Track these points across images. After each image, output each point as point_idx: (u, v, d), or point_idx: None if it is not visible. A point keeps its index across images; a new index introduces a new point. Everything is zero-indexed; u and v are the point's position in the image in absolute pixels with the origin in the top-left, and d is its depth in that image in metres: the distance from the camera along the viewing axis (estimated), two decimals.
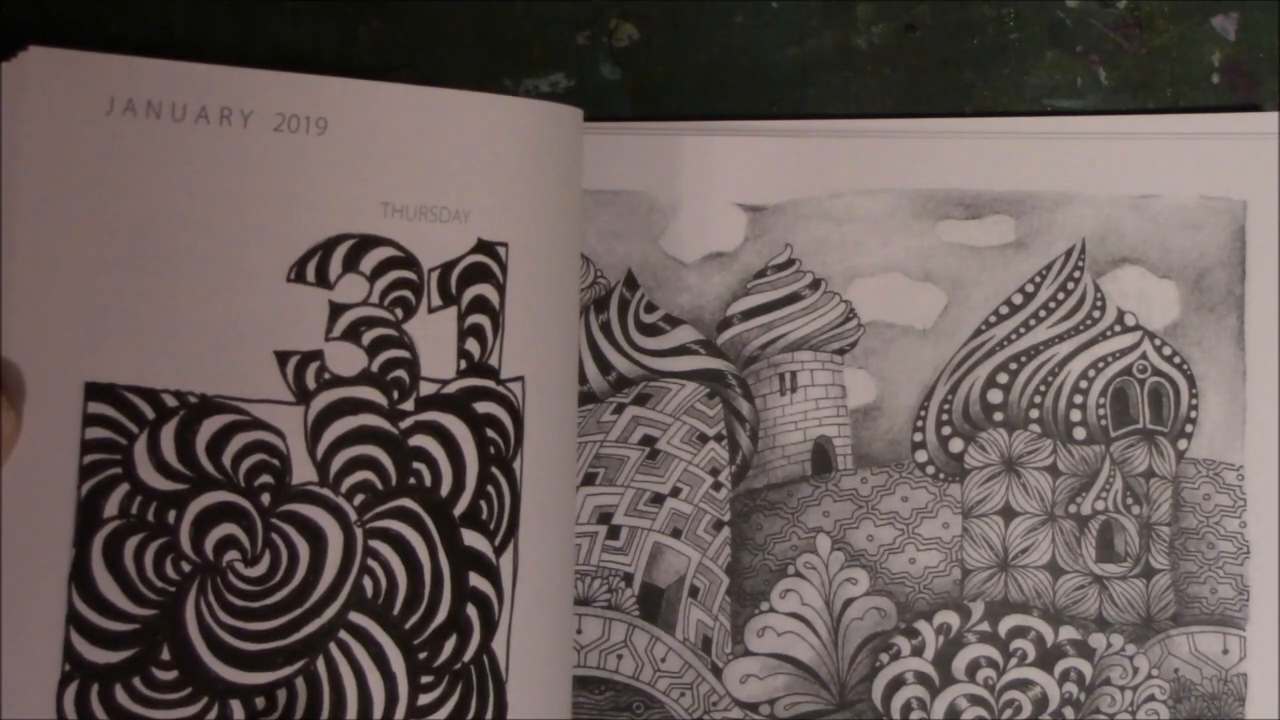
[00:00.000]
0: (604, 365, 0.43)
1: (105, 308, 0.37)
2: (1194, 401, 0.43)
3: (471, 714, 0.38)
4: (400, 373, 0.38)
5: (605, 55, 0.44)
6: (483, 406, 0.39)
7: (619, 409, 0.43)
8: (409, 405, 0.38)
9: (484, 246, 0.39)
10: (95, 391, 0.37)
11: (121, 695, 0.37)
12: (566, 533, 0.40)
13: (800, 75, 0.44)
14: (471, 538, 0.38)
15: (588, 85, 0.44)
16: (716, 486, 0.43)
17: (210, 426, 0.38)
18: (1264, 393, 0.42)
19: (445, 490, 0.38)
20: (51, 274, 0.37)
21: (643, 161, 0.43)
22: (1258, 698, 0.42)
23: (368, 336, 0.38)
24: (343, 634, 0.37)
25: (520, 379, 0.39)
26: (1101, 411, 0.43)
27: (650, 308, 0.43)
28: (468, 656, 0.38)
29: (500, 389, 0.39)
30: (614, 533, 0.43)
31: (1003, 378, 0.44)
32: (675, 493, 0.43)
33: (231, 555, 0.37)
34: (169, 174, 0.38)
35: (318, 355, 0.38)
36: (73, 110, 0.37)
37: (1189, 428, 0.43)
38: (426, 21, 0.44)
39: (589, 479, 0.43)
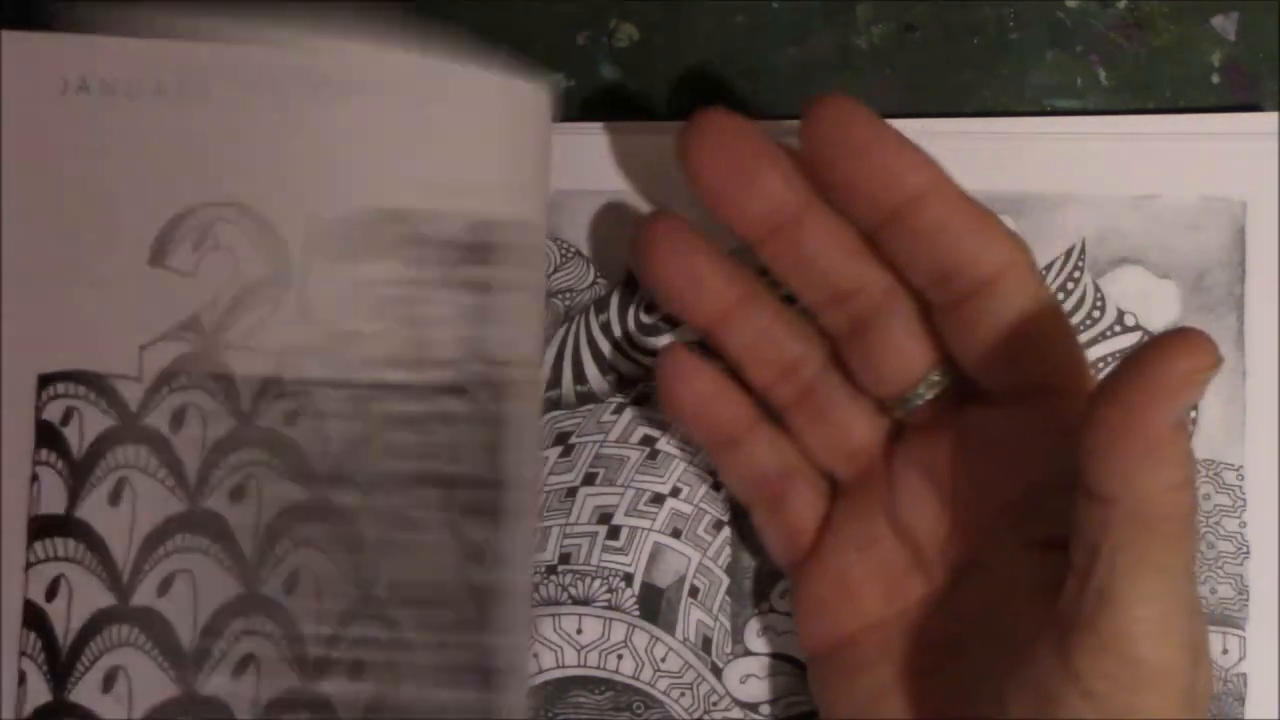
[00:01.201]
0: (604, 365, 0.43)
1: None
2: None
3: None
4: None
5: (605, 55, 0.44)
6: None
7: (619, 409, 0.43)
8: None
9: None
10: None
11: None
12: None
13: (800, 75, 0.44)
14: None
15: (588, 85, 0.44)
16: (716, 486, 0.43)
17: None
18: (1264, 393, 0.42)
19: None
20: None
21: (643, 162, 0.43)
22: (1258, 698, 0.42)
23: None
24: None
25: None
26: None
27: (650, 308, 0.43)
28: None
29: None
30: (614, 533, 0.43)
31: None
32: (675, 493, 0.43)
33: None
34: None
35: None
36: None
37: (1189, 428, 0.43)
38: (426, 22, 0.44)
39: (589, 479, 0.43)
